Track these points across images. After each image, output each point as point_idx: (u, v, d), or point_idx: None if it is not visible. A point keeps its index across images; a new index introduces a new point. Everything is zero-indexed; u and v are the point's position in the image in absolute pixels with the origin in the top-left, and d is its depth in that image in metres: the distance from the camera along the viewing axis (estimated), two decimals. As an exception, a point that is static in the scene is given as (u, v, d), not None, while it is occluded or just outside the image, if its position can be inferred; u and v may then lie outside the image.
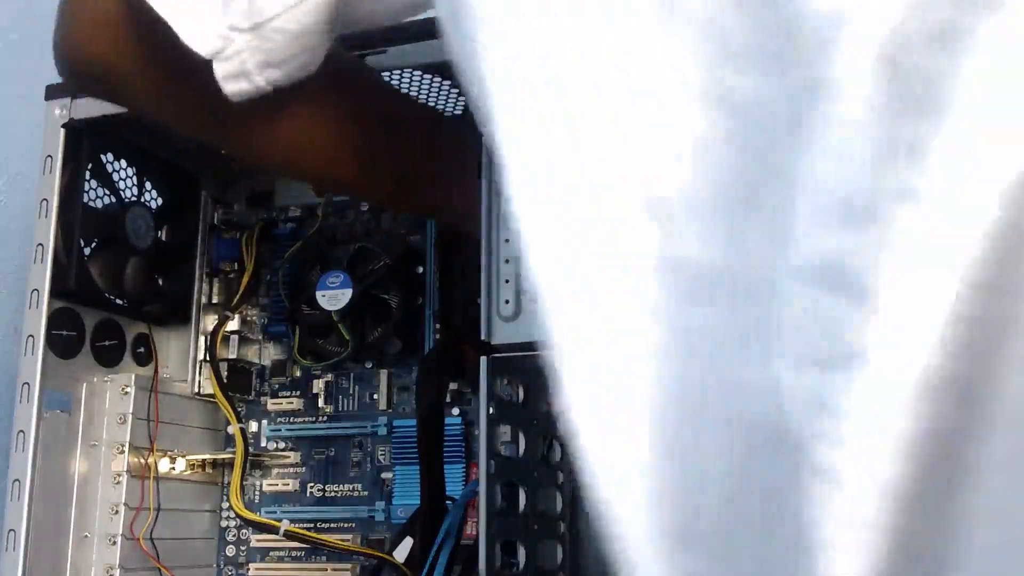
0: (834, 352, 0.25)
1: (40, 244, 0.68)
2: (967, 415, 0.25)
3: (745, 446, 0.28)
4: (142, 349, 0.76)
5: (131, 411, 0.71)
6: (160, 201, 0.77)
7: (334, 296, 0.74)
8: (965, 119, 0.24)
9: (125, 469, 0.70)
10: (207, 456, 0.77)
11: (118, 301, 0.73)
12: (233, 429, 0.75)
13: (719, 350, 0.28)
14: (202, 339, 0.80)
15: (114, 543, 0.69)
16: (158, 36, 0.46)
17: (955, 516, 0.25)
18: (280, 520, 0.73)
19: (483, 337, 0.59)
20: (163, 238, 0.77)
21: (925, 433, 0.25)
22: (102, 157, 0.73)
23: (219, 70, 0.46)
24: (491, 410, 0.59)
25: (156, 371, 0.76)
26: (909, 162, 0.25)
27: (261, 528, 0.75)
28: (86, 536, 0.70)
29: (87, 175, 0.71)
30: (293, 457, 0.78)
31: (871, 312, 0.25)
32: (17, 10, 1.01)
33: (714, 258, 0.29)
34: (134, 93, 0.53)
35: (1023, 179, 0.24)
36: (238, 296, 0.78)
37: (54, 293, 0.68)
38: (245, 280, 0.78)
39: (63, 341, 0.69)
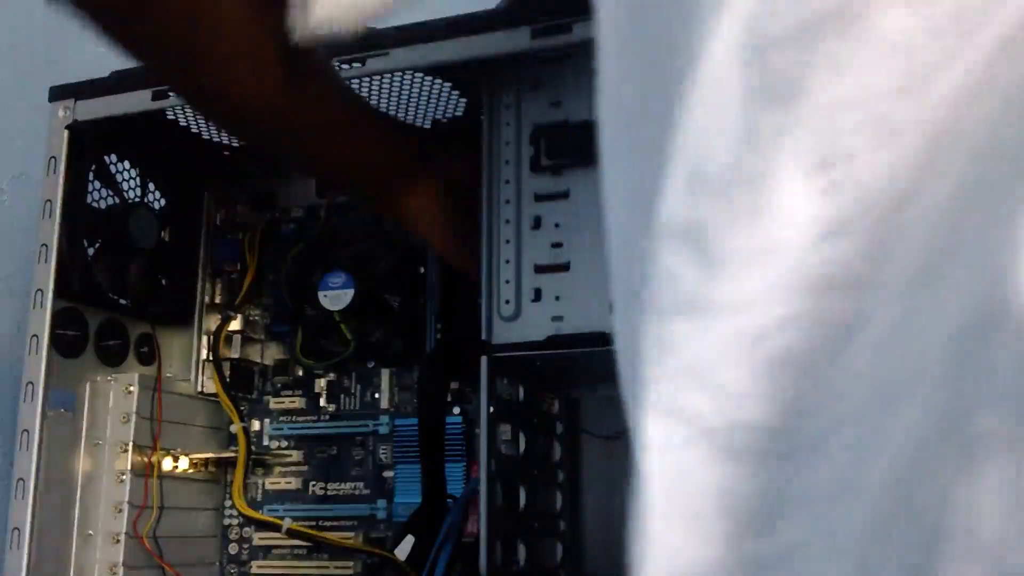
0: (678, 303, 0.29)
1: (44, 244, 0.68)
2: (802, 381, 0.27)
3: None
4: (145, 349, 0.77)
5: (134, 410, 0.72)
6: (163, 202, 0.78)
7: (336, 296, 0.75)
8: (813, 113, 0.27)
9: (129, 468, 0.71)
10: (210, 455, 0.77)
11: (122, 301, 0.74)
12: (236, 428, 0.76)
13: None
14: (205, 339, 0.80)
15: (118, 541, 0.70)
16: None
17: None
18: (282, 518, 0.74)
19: (483, 337, 0.60)
20: (166, 239, 0.78)
21: (761, 395, 0.28)
22: (105, 158, 0.73)
23: None
24: (492, 409, 0.59)
25: (159, 370, 0.76)
26: (754, 148, 0.27)
27: (264, 526, 0.75)
28: (90, 534, 0.70)
29: (91, 176, 0.72)
30: (295, 456, 0.78)
31: (716, 273, 0.28)
32: (19, 12, 1.02)
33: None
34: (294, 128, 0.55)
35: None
36: (241, 296, 0.79)
37: (58, 293, 0.68)
38: (248, 280, 0.79)
39: (67, 340, 0.70)
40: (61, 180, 0.69)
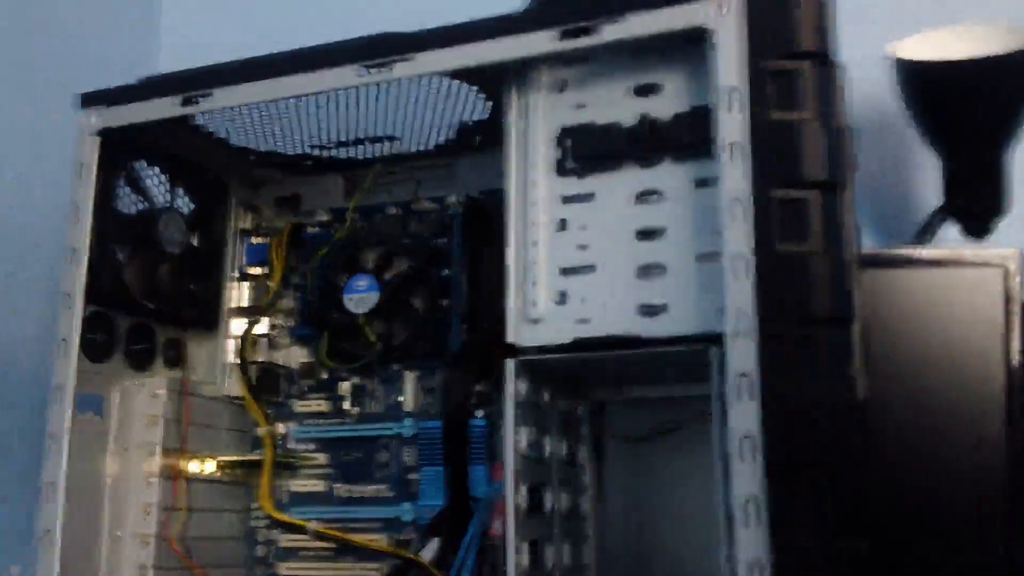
0: None
1: (74, 248, 0.69)
2: None
3: None
4: (172, 352, 0.77)
5: (162, 414, 0.72)
6: (191, 206, 0.78)
7: (361, 299, 0.75)
8: None
9: (157, 470, 0.71)
10: (237, 457, 0.78)
11: (150, 305, 0.74)
12: (262, 431, 0.76)
13: None
14: (231, 342, 0.81)
15: (147, 543, 0.70)
16: None
17: None
18: (308, 520, 0.74)
19: (509, 339, 0.60)
20: (194, 243, 0.78)
21: None
22: (135, 163, 0.74)
23: None
24: (516, 411, 0.59)
25: (186, 374, 0.77)
26: None
27: (290, 528, 0.76)
28: (119, 536, 0.70)
29: (121, 181, 0.72)
30: (320, 458, 0.78)
31: None
32: (27, 20, 1.03)
33: None
34: None
35: None
36: (267, 299, 0.79)
37: (88, 297, 0.69)
38: (274, 284, 0.79)
39: (96, 345, 0.70)
40: (92, 185, 0.70)
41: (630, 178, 0.59)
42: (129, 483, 0.71)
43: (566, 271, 0.60)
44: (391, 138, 0.77)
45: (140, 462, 0.72)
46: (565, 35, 0.58)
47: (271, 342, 0.81)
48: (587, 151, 0.60)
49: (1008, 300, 0.77)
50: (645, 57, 0.60)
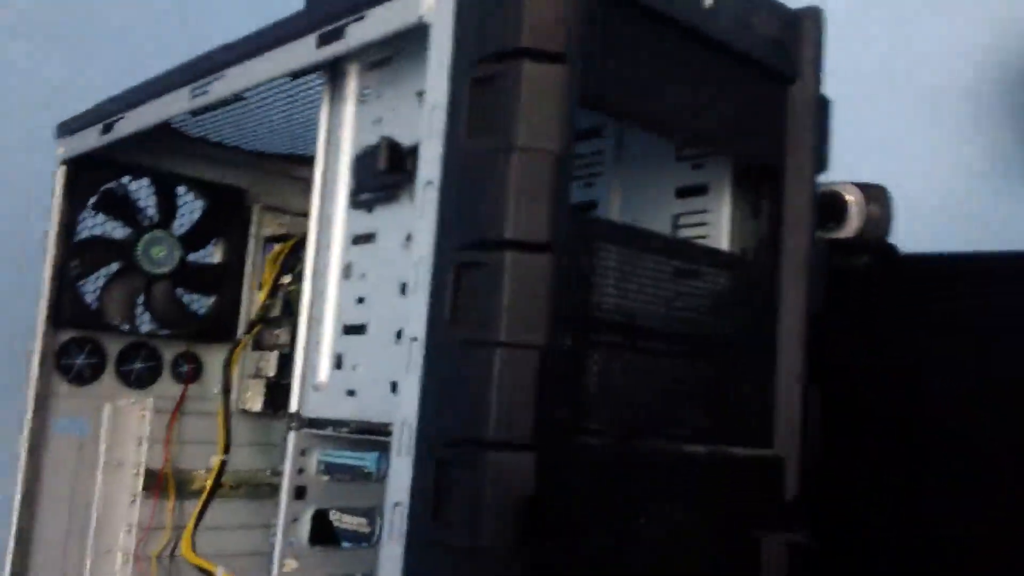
0: None
1: (42, 279, 0.71)
2: None
3: None
4: (185, 367, 0.77)
5: (147, 434, 0.73)
6: (191, 218, 0.76)
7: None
8: None
9: (139, 489, 0.72)
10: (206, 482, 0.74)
11: (142, 327, 0.74)
12: (214, 460, 0.72)
13: None
14: (256, 354, 0.78)
15: (127, 561, 0.72)
16: None
17: None
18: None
19: (292, 407, 0.51)
20: (198, 257, 0.77)
21: None
22: (116, 185, 0.73)
23: None
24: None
25: (184, 392, 0.76)
26: None
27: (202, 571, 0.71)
28: (108, 552, 0.72)
29: (96, 205, 0.72)
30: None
31: None
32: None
33: None
34: None
35: None
36: (259, 313, 0.75)
37: (67, 323, 0.71)
38: (262, 297, 0.75)
39: (79, 368, 0.72)
40: (58, 214, 0.71)
41: (404, 216, 0.46)
42: (115, 501, 0.73)
43: (346, 330, 0.49)
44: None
45: (125, 481, 0.73)
46: (322, 40, 0.47)
47: (284, 355, 0.77)
48: (375, 180, 0.48)
49: None
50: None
